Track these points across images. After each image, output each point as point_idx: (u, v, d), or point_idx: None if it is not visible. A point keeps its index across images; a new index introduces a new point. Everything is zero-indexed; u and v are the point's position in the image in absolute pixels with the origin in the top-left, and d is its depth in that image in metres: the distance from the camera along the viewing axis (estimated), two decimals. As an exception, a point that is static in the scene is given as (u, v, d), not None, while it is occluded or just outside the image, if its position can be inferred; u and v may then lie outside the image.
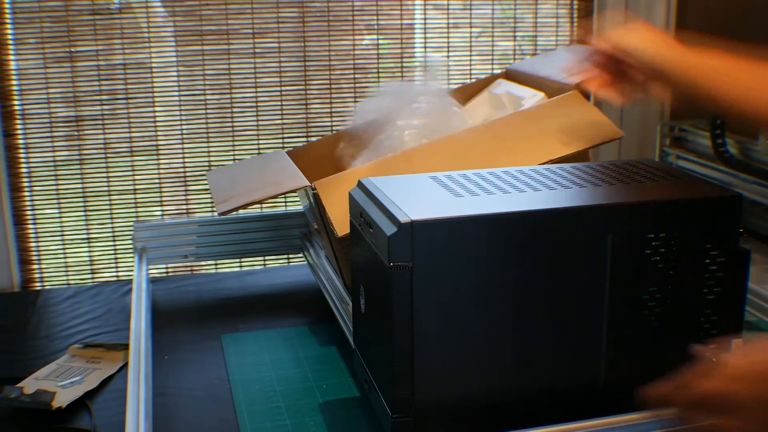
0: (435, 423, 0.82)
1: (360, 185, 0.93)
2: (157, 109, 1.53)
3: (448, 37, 1.63)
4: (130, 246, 1.42)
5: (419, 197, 0.86)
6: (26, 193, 1.49)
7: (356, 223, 0.91)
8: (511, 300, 0.80)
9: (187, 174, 1.56)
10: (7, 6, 1.42)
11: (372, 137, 1.21)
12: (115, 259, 1.55)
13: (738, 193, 0.86)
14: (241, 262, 1.57)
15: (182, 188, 1.57)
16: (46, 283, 1.53)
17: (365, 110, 1.25)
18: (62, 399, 1.00)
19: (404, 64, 1.64)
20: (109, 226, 1.54)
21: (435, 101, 1.26)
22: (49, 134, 1.48)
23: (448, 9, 1.63)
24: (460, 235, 0.79)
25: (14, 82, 1.45)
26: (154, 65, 1.51)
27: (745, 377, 0.65)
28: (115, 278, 1.55)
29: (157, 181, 1.55)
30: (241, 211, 1.16)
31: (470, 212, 0.80)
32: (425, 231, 0.78)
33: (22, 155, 1.48)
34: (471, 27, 1.64)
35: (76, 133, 1.50)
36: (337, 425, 0.95)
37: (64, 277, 1.54)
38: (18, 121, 1.46)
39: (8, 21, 1.43)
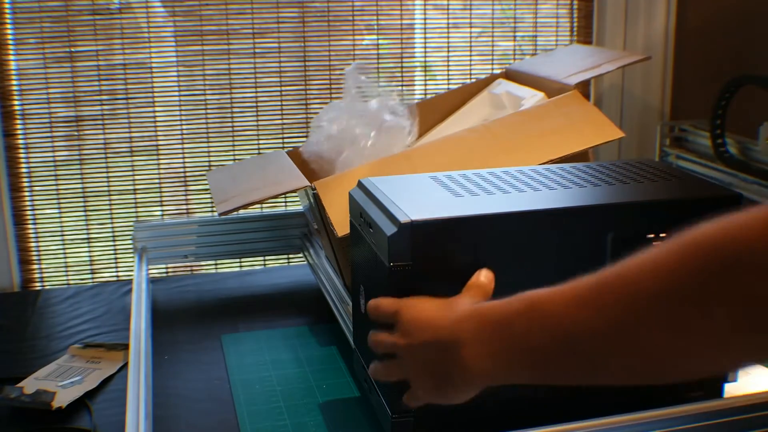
0: (435, 423, 0.82)
1: (360, 185, 0.93)
2: (157, 109, 1.53)
3: (448, 37, 1.63)
4: (130, 246, 1.42)
5: (419, 197, 0.86)
6: (26, 193, 1.49)
7: (356, 223, 0.91)
8: None
9: (187, 174, 1.56)
10: (7, 6, 1.42)
11: (334, 159, 1.20)
12: (115, 259, 1.55)
13: (738, 193, 0.86)
14: (241, 262, 1.57)
15: (182, 188, 1.57)
16: (46, 283, 1.53)
17: (320, 137, 1.24)
18: (62, 399, 1.00)
19: (404, 64, 1.64)
20: (109, 226, 1.54)
21: (387, 119, 1.24)
22: (49, 134, 1.48)
23: (448, 9, 1.63)
24: (460, 235, 0.79)
25: (14, 82, 1.45)
26: (154, 65, 1.51)
27: (409, 328, 0.72)
28: (115, 278, 1.55)
29: (157, 181, 1.55)
30: (241, 211, 1.16)
31: (470, 212, 0.80)
32: (425, 231, 0.78)
33: (22, 155, 1.48)
34: (471, 27, 1.64)
35: (76, 133, 1.50)
36: (337, 425, 0.95)
37: (64, 277, 1.54)
38: (18, 121, 1.46)
39: (8, 21, 1.43)
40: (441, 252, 0.79)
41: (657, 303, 0.54)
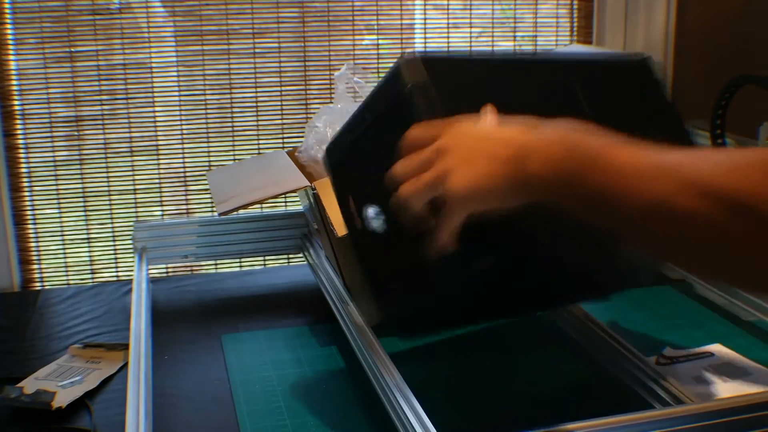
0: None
1: None
2: (157, 109, 1.53)
3: (448, 37, 1.63)
4: (130, 246, 1.42)
5: None
6: (26, 193, 1.49)
7: (349, 138, 0.91)
8: None
9: (187, 174, 1.56)
10: (7, 6, 1.42)
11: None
12: (115, 259, 1.55)
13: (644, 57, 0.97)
14: (241, 262, 1.57)
15: (182, 188, 1.57)
16: (46, 283, 1.53)
17: (315, 142, 1.23)
18: (62, 399, 1.00)
19: (404, 64, 1.63)
20: (109, 226, 1.54)
21: None
22: (49, 134, 1.48)
23: (448, 9, 1.63)
24: (466, 69, 0.83)
25: (14, 82, 1.45)
26: (154, 65, 1.51)
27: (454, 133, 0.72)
28: (115, 278, 1.55)
29: (157, 181, 1.55)
30: (241, 211, 1.16)
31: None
32: (433, 60, 0.79)
33: (22, 155, 1.48)
34: (471, 27, 1.64)
35: (76, 133, 1.50)
36: (337, 425, 0.95)
37: (64, 277, 1.54)
38: (18, 121, 1.46)
39: (8, 21, 1.43)
40: (452, 81, 0.79)
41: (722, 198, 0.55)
